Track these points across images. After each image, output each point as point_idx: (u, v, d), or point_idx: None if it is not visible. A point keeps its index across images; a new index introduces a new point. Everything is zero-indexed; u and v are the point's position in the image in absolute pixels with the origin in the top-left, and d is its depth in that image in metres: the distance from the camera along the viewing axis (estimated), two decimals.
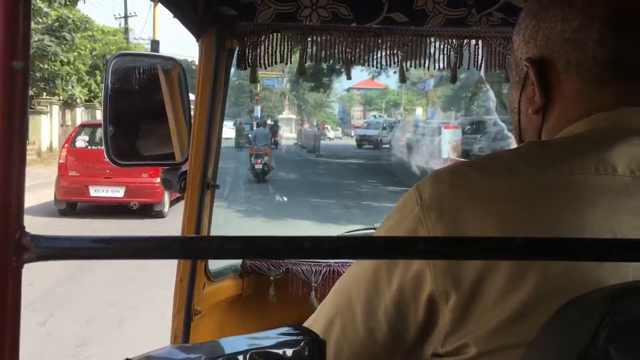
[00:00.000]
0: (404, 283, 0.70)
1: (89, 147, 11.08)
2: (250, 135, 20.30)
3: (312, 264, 1.80)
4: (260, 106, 57.64)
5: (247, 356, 0.57)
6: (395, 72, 1.51)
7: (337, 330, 0.77)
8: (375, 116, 55.57)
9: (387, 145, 35.36)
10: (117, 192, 10.79)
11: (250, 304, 1.79)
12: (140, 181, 10.65)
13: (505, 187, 0.68)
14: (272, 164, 17.53)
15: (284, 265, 1.79)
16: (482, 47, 1.48)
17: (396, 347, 0.75)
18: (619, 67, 0.72)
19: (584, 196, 0.65)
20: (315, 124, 57.53)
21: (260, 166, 16.86)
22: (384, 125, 38.91)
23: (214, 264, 1.71)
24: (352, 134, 54.63)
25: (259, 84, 49.32)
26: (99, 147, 10.24)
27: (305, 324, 0.82)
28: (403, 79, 1.50)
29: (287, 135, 49.30)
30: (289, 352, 0.59)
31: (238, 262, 1.81)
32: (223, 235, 0.47)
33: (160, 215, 10.99)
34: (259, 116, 51.19)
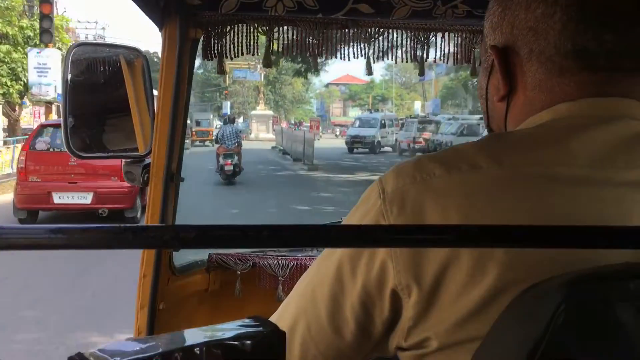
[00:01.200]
0: (369, 279, 0.70)
1: (52, 150, 9.93)
2: (217, 133, 17.24)
3: (280, 257, 1.79)
4: (230, 102, 51.56)
5: (204, 349, 0.55)
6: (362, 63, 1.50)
7: (302, 330, 0.76)
8: (371, 111, 46.61)
9: (389, 149, 29.87)
10: (83, 199, 9.86)
11: (217, 298, 1.77)
12: (110, 186, 9.68)
13: (465, 181, 0.68)
14: (242, 165, 15.90)
15: (251, 259, 1.77)
16: (449, 40, 1.48)
17: (364, 343, 0.74)
18: (580, 57, 0.72)
19: (543, 188, 0.66)
20: (293, 121, 51.67)
21: (230, 167, 15.26)
22: (383, 122, 31.69)
23: (179, 259, 1.69)
24: (339, 133, 49.14)
25: (227, 77, 43.52)
26: (63, 150, 8.97)
27: None
28: (370, 71, 1.50)
29: (263, 136, 41.86)
30: (248, 343, 0.58)
31: (204, 256, 1.79)
32: (177, 224, 0.45)
33: (132, 222, 9.99)
34: (229, 113, 43.62)
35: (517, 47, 0.75)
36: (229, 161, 15.31)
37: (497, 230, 0.46)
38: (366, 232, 0.47)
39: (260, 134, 43.24)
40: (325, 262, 0.76)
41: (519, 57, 0.75)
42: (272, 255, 1.80)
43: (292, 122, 49.74)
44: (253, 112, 47.27)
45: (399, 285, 0.67)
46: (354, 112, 63.53)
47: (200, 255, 1.83)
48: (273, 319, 0.82)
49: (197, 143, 27.40)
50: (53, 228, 0.43)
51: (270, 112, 48.76)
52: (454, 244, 0.51)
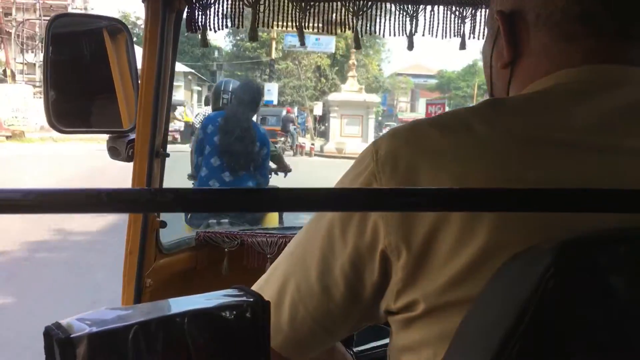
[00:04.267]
0: (360, 240, 0.69)
1: None
2: (195, 123, 9.01)
3: (267, 235, 1.78)
4: (279, 84, 32.11)
5: (185, 318, 0.54)
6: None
7: (292, 290, 0.76)
8: None
9: None
10: None
11: (205, 277, 1.76)
12: None
13: (460, 144, 0.67)
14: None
15: (239, 237, 1.76)
16: (438, 12, 1.45)
17: (353, 306, 0.74)
18: (587, 23, 0.71)
19: (536, 152, 0.65)
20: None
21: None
22: None
23: (166, 237, 1.67)
24: None
25: (273, 47, 28.11)
26: None
27: (256, 286, 0.81)
28: (358, 44, 1.48)
29: (355, 147, 19.01)
30: (231, 313, 0.57)
31: (192, 235, 1.78)
32: (155, 188, 0.44)
33: None
34: (273, 101, 26.05)
35: (524, 12, 0.74)
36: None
37: (486, 194, 0.45)
38: (355, 195, 0.46)
39: (348, 144, 21.14)
40: (315, 223, 0.75)
41: (525, 22, 0.74)
42: (260, 233, 1.80)
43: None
44: (333, 97, 24.06)
45: (388, 246, 0.67)
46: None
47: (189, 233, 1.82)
48: (260, 282, 0.81)
49: None
50: (25, 191, 0.42)
51: (374, 98, 25.07)
52: (443, 207, 0.50)
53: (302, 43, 1.47)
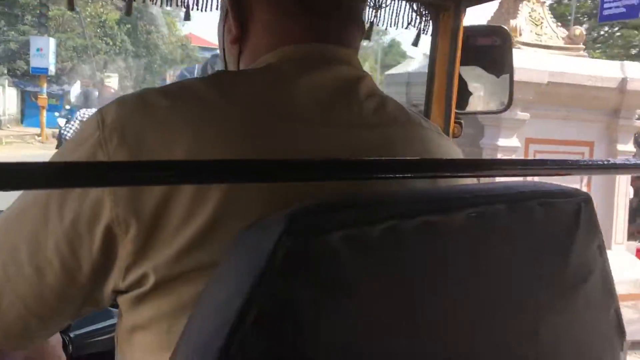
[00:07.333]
0: (78, 214, 0.63)
1: None
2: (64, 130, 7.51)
3: None
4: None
5: None
6: None
7: None
8: None
9: None
10: None
11: None
12: None
13: (192, 113, 0.65)
14: None
15: None
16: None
17: (71, 289, 0.67)
18: (305, 2, 0.76)
19: (268, 126, 0.67)
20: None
21: None
22: None
23: None
24: None
25: None
26: None
27: None
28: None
29: None
30: None
31: None
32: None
33: None
34: (49, 69, 17.36)
35: None
36: None
37: (216, 166, 0.43)
38: (77, 170, 0.39)
39: None
40: (26, 198, 0.68)
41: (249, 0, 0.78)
42: None
43: None
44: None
45: (115, 220, 0.62)
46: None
47: None
48: None
49: None
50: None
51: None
52: (174, 180, 0.47)
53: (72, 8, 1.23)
